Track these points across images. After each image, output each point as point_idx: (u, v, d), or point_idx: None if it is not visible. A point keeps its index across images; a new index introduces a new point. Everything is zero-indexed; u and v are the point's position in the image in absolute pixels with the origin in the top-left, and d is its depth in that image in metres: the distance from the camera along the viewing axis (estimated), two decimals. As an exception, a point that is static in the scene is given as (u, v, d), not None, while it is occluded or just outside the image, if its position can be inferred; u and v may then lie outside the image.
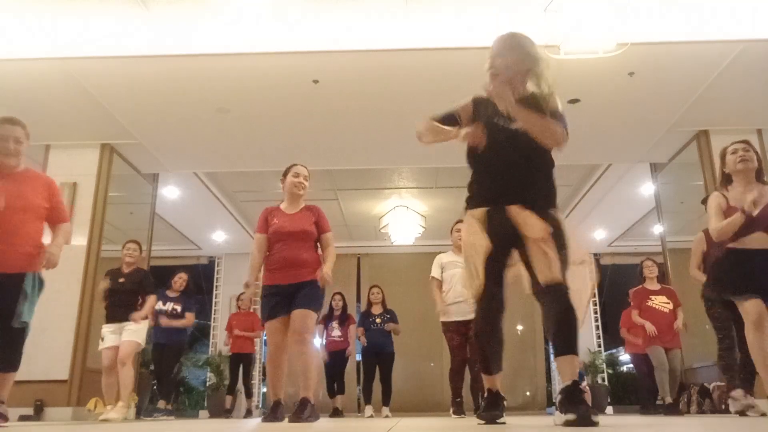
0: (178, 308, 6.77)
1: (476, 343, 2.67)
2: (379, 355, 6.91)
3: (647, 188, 8.05)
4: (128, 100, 5.63)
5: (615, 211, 9.13)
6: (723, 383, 5.39)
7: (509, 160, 2.47)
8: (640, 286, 6.15)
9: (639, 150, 6.82)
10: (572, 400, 2.09)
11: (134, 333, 5.19)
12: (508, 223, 2.40)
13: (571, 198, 8.92)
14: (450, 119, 2.62)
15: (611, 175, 7.92)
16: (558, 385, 2.30)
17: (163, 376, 6.87)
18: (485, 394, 2.65)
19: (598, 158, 7.39)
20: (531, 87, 2.58)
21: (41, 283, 3.33)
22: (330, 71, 5.24)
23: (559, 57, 4.71)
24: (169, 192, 8.28)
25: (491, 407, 2.57)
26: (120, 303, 5.26)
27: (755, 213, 3.27)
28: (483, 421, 2.55)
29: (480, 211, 2.48)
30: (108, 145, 6.47)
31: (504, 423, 2.53)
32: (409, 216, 9.26)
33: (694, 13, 4.77)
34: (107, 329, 5.25)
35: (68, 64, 5.04)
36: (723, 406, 5.39)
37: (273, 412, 3.78)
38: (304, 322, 3.74)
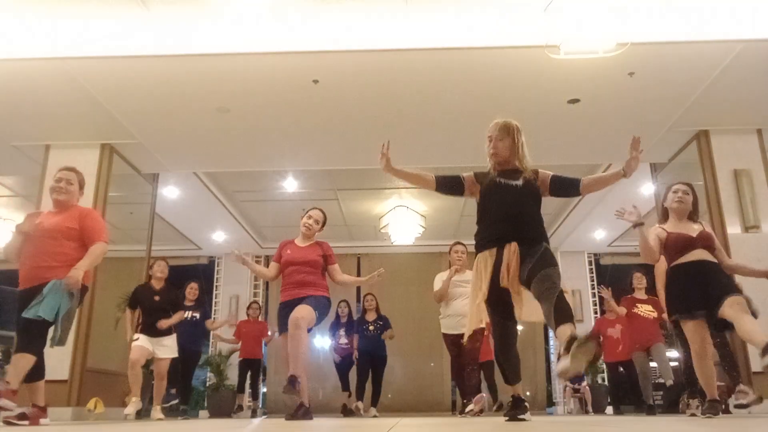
0: (197, 315, 7.17)
1: (498, 363, 3.33)
2: (373, 359, 7.37)
3: (647, 188, 8.05)
4: (128, 100, 5.63)
5: (615, 211, 9.11)
6: (723, 383, 5.41)
7: (511, 210, 3.17)
8: (630, 295, 6.72)
9: (639, 150, 6.81)
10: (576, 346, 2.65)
11: (170, 349, 5.79)
12: (514, 254, 3.07)
13: (571, 198, 8.92)
14: (455, 181, 3.38)
15: (611, 175, 7.91)
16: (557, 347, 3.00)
17: (182, 380, 7.13)
18: (510, 399, 3.33)
19: (598, 158, 7.39)
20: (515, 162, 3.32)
21: (70, 293, 3.60)
22: (330, 71, 5.23)
23: (559, 57, 4.71)
24: (169, 192, 8.28)
25: (515, 408, 3.24)
26: (156, 320, 5.73)
27: (695, 235, 3.89)
28: (507, 418, 3.21)
29: (493, 250, 3.13)
30: (108, 145, 6.47)
31: (525, 420, 3.16)
32: (409, 216, 9.25)
33: (694, 13, 4.77)
34: (143, 336, 5.68)
35: (68, 64, 5.04)
36: (723, 406, 5.43)
37: (291, 383, 4.13)
38: (301, 311, 4.30)
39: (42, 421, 3.71)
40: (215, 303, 10.83)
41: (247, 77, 5.29)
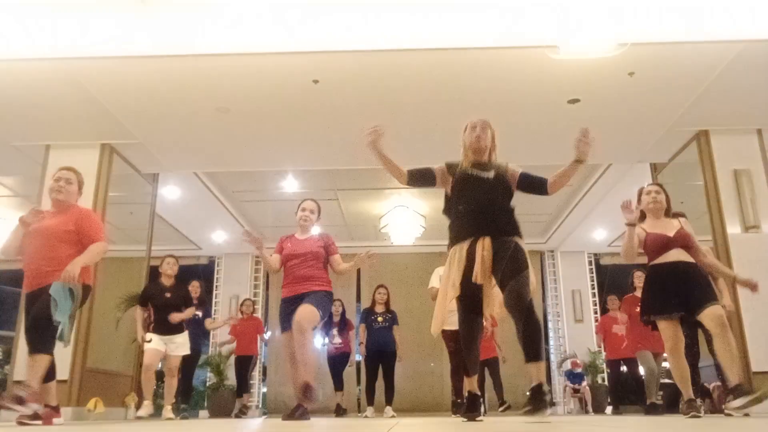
0: (200, 314, 7.14)
1: (462, 355, 3.36)
2: (382, 355, 6.88)
3: (647, 188, 8.04)
4: (128, 100, 5.63)
5: (615, 211, 9.02)
6: (720, 384, 5.40)
7: (483, 203, 3.21)
8: (631, 294, 6.56)
9: (639, 150, 6.82)
10: (538, 398, 2.81)
11: (182, 346, 5.90)
12: (487, 251, 3.09)
13: (571, 198, 8.92)
14: (426, 173, 3.45)
15: (611, 175, 7.92)
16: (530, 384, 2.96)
17: (183, 379, 7.09)
18: (466, 396, 3.44)
19: (598, 158, 7.38)
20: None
21: (71, 291, 3.65)
22: (330, 71, 5.23)
23: (559, 57, 4.72)
24: (169, 192, 8.28)
25: (473, 408, 3.30)
26: (167, 318, 5.81)
27: (672, 234, 4.03)
28: (466, 419, 3.24)
29: (465, 243, 3.16)
30: (108, 145, 6.46)
31: (482, 420, 3.25)
32: (409, 216, 9.25)
33: (694, 13, 4.77)
34: (155, 335, 5.77)
35: (68, 64, 5.03)
36: (722, 407, 5.40)
37: (304, 393, 4.15)
38: (305, 314, 4.21)
39: (55, 420, 3.77)
40: (215, 303, 10.83)
41: (247, 77, 5.29)
